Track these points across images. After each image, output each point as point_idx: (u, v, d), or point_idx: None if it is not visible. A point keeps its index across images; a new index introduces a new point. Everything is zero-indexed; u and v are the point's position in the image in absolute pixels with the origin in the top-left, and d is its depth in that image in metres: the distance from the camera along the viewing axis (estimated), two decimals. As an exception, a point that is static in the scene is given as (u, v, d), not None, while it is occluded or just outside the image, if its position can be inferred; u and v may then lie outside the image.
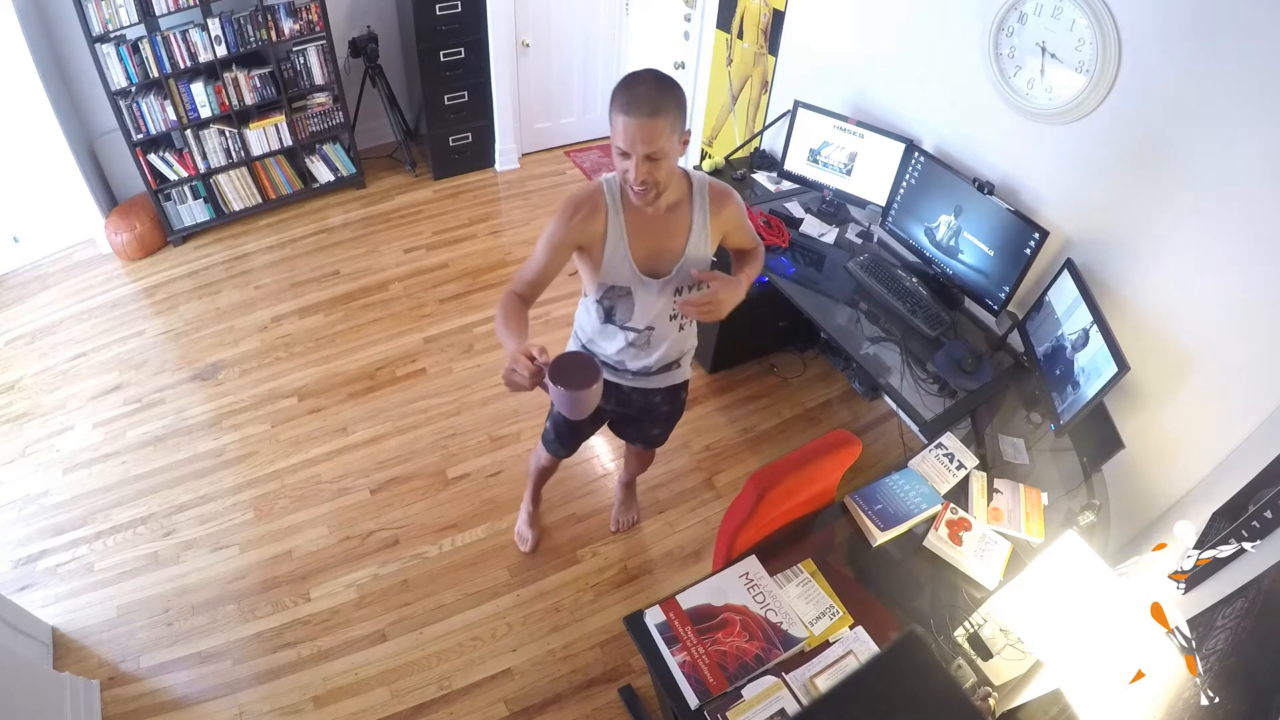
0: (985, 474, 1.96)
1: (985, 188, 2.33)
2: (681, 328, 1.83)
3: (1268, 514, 1.47)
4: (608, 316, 1.77)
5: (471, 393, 3.11)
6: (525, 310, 1.60)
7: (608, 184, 1.62)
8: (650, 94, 1.41)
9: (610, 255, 1.64)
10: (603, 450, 2.93)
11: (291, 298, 3.57)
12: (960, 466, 1.98)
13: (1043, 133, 2.23)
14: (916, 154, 2.52)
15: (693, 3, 3.59)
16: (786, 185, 3.10)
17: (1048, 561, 1.51)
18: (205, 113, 3.56)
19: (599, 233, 1.61)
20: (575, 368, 1.42)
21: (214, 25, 3.37)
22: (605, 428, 2.22)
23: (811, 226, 2.85)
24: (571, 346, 1.98)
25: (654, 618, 1.63)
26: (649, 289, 1.69)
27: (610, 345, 1.84)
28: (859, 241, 2.82)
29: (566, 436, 2.17)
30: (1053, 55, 2.12)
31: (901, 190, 2.60)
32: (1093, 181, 2.15)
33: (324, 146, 4.05)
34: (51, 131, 3.41)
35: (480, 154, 4.39)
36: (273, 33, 3.54)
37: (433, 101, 4.03)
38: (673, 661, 1.56)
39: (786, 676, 1.55)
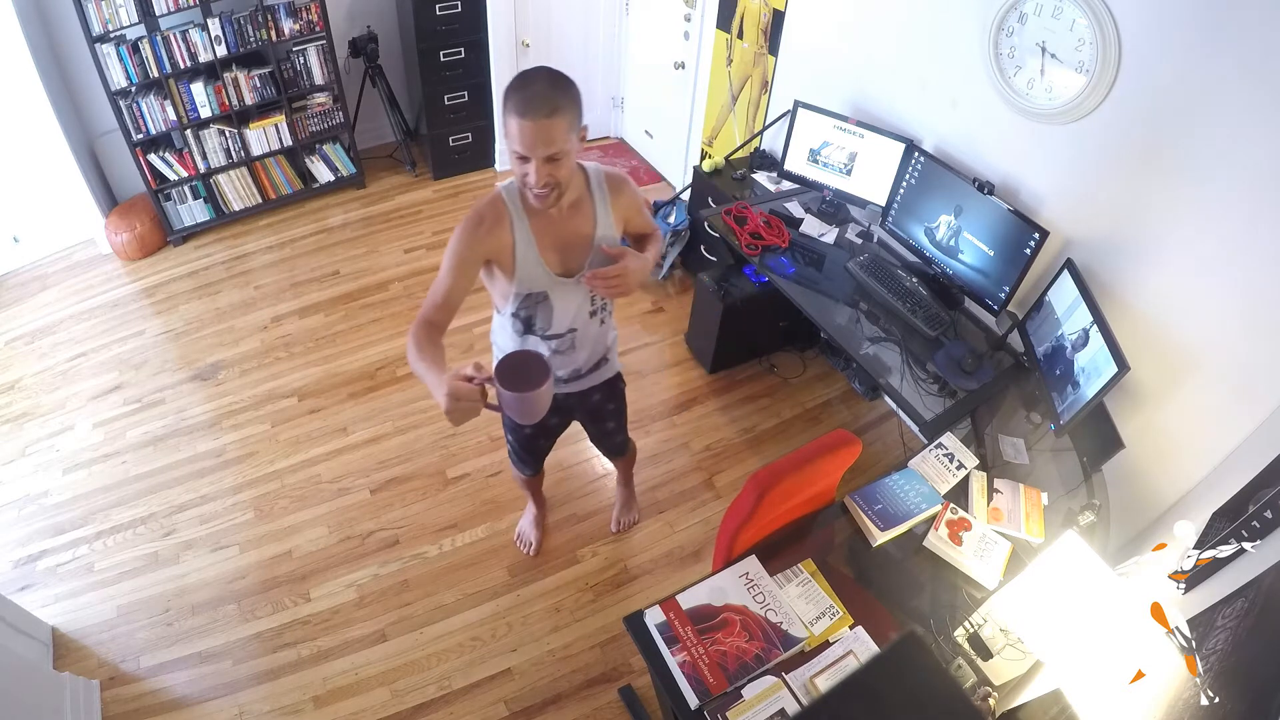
0: (985, 474, 1.96)
1: (985, 188, 2.33)
2: (602, 322, 1.81)
3: (1268, 514, 1.46)
4: (527, 328, 1.73)
5: (471, 393, 3.11)
6: (439, 339, 1.54)
7: (506, 191, 1.57)
8: (546, 93, 1.37)
9: (522, 262, 1.59)
10: (603, 450, 2.93)
11: (291, 298, 3.57)
12: (960, 466, 1.98)
13: (1043, 133, 2.23)
14: (916, 154, 2.52)
15: (693, 3, 3.59)
16: (786, 185, 3.10)
17: (1048, 561, 1.51)
18: (205, 113, 3.56)
19: (507, 242, 1.57)
20: (522, 368, 1.35)
21: (214, 25, 3.37)
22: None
23: (811, 226, 2.85)
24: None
25: (654, 618, 1.62)
26: (565, 289, 1.66)
27: None
28: (859, 241, 2.82)
29: (524, 454, 2.17)
30: (1053, 55, 2.12)
31: (901, 190, 2.60)
32: (1093, 181, 2.15)
33: (324, 146, 4.05)
34: (51, 131, 3.41)
35: (480, 154, 4.38)
36: (273, 33, 3.54)
37: (433, 101, 4.03)
38: (673, 661, 1.56)
39: (786, 676, 1.55)
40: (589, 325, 1.78)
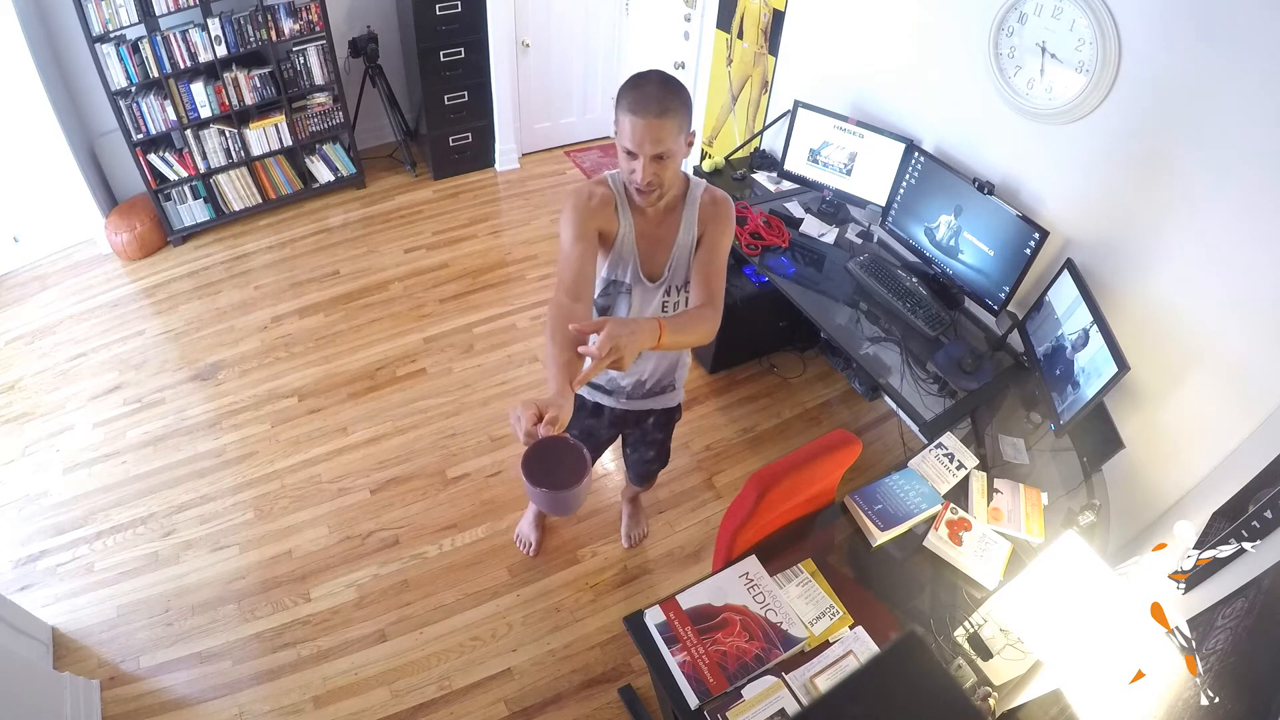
0: (985, 474, 1.96)
1: (985, 188, 2.33)
2: None
3: (1268, 514, 1.47)
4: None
5: (471, 393, 3.11)
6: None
7: (612, 178, 1.61)
8: (658, 94, 1.41)
9: (619, 246, 1.61)
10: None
11: (291, 298, 3.57)
12: (960, 466, 1.98)
13: (1043, 133, 2.23)
14: (916, 154, 2.52)
15: (693, 3, 3.59)
16: (786, 185, 3.10)
17: (1048, 561, 1.51)
18: (205, 113, 3.56)
19: (613, 221, 1.59)
20: (556, 456, 1.17)
21: (214, 25, 3.37)
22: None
23: (811, 226, 2.85)
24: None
25: (654, 618, 1.62)
26: (644, 291, 1.67)
27: None
28: (859, 241, 2.82)
29: None
30: (1053, 55, 2.12)
31: (901, 190, 2.60)
32: (1093, 181, 2.15)
33: (324, 146, 4.05)
34: (51, 131, 3.41)
35: (480, 154, 4.38)
36: (273, 33, 3.54)
37: (433, 101, 4.03)
38: (673, 661, 1.56)
39: (786, 676, 1.55)
40: None
